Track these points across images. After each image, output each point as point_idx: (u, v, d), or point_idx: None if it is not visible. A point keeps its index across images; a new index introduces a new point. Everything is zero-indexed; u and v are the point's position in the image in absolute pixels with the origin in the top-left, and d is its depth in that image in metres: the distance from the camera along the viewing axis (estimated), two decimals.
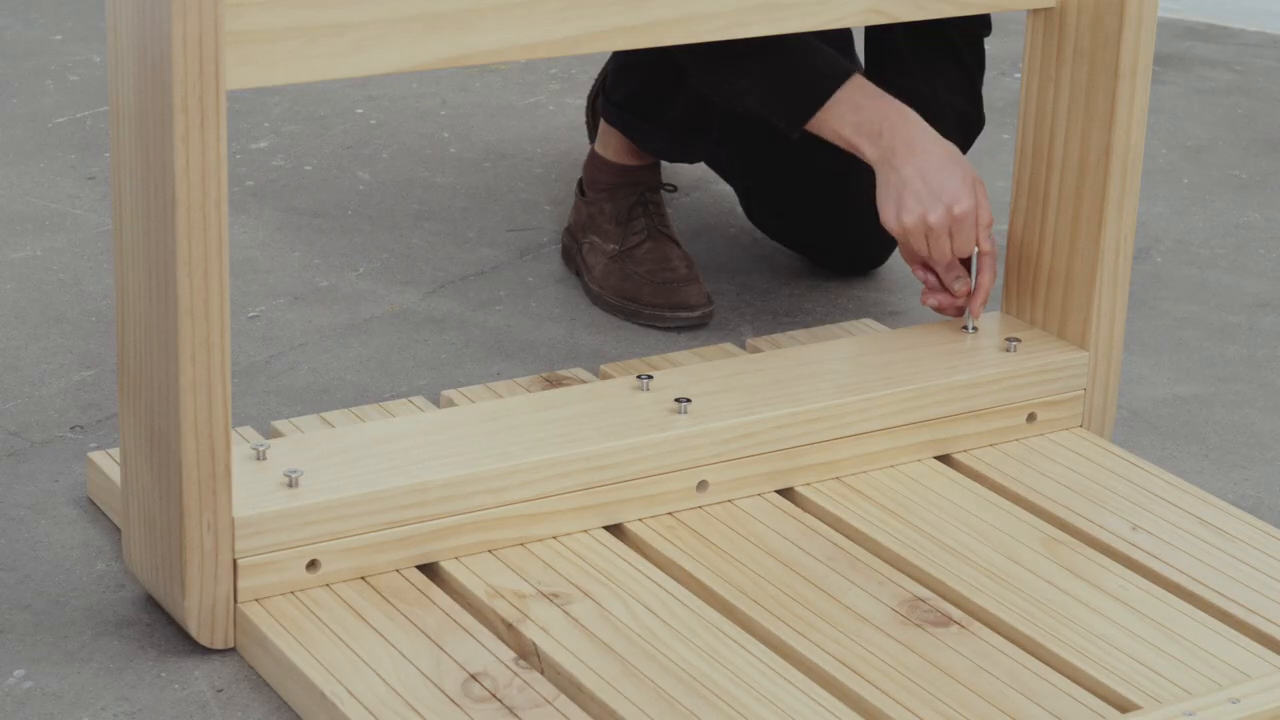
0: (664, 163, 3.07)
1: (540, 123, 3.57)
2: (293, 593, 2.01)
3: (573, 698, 1.88)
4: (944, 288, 2.48)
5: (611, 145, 2.91)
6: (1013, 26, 4.27)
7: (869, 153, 2.45)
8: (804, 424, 2.26)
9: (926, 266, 2.49)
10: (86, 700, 1.93)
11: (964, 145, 2.73)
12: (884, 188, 2.43)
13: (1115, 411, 2.50)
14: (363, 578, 2.05)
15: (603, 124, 2.92)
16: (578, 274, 2.92)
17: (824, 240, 2.92)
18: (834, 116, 2.47)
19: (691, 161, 2.95)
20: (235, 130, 3.45)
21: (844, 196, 2.83)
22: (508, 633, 1.98)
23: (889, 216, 2.43)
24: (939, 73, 2.69)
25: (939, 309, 2.48)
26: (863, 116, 2.45)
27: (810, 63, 2.46)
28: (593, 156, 2.94)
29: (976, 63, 2.73)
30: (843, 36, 2.87)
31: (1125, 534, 2.21)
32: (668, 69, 2.73)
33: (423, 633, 1.96)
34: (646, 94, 2.82)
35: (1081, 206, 2.39)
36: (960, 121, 2.71)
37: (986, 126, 3.65)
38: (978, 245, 2.43)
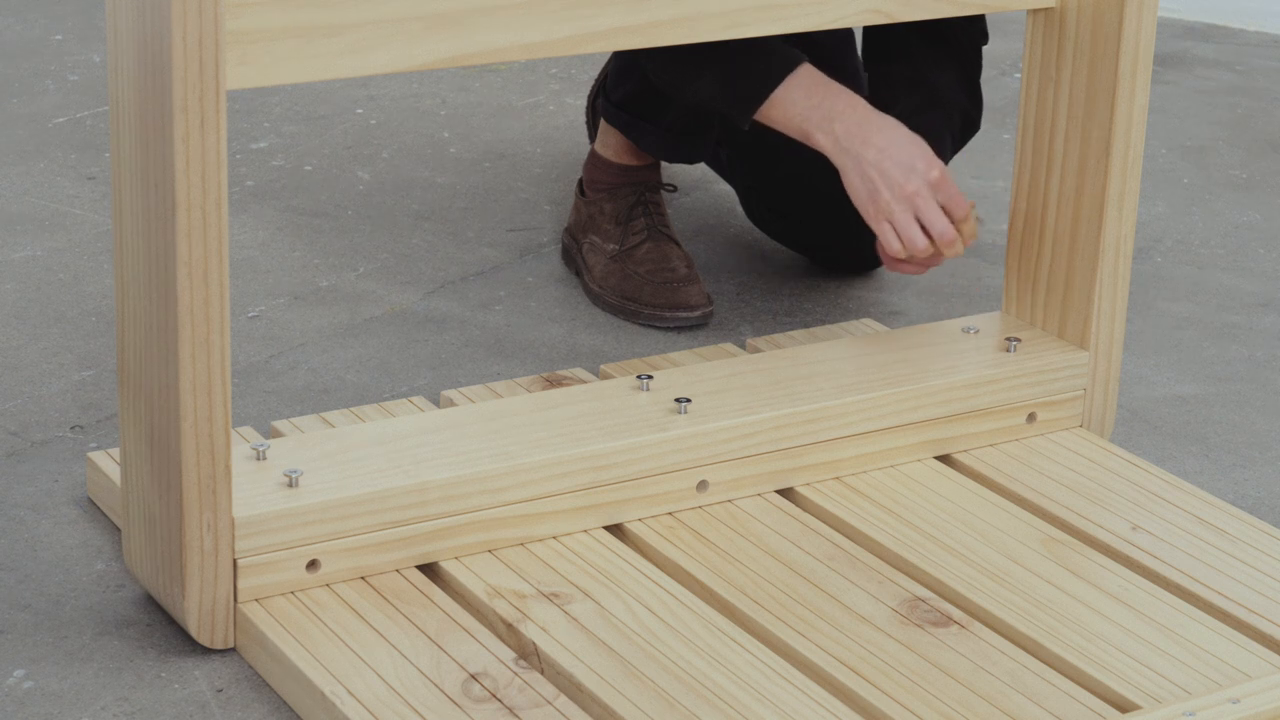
0: (664, 163, 3.07)
1: (540, 123, 3.57)
2: (293, 593, 2.01)
3: (573, 698, 1.88)
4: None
5: (611, 145, 2.91)
6: (1013, 26, 4.27)
7: (821, 141, 2.41)
8: (804, 424, 2.26)
9: (904, 261, 2.45)
10: (86, 700, 1.93)
11: (959, 145, 2.74)
12: (851, 175, 2.38)
13: (1115, 411, 2.50)
14: (363, 578, 2.05)
15: (603, 124, 2.92)
16: (578, 274, 2.92)
17: (824, 240, 2.92)
18: (782, 105, 2.44)
19: (691, 162, 2.95)
20: (235, 130, 3.45)
21: (844, 196, 2.83)
22: (508, 633, 1.98)
23: (864, 201, 2.37)
24: (945, 70, 2.70)
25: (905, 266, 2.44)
26: (811, 103, 2.42)
27: (760, 55, 2.44)
28: (593, 156, 2.94)
29: (976, 69, 2.75)
30: (843, 35, 2.87)
31: (1125, 534, 2.21)
32: None
33: (423, 633, 1.96)
34: (646, 94, 2.82)
35: (1081, 206, 2.39)
36: (961, 115, 2.72)
37: (986, 126, 3.66)
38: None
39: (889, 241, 2.37)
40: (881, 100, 2.66)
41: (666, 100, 2.80)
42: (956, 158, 3.50)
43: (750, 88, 2.45)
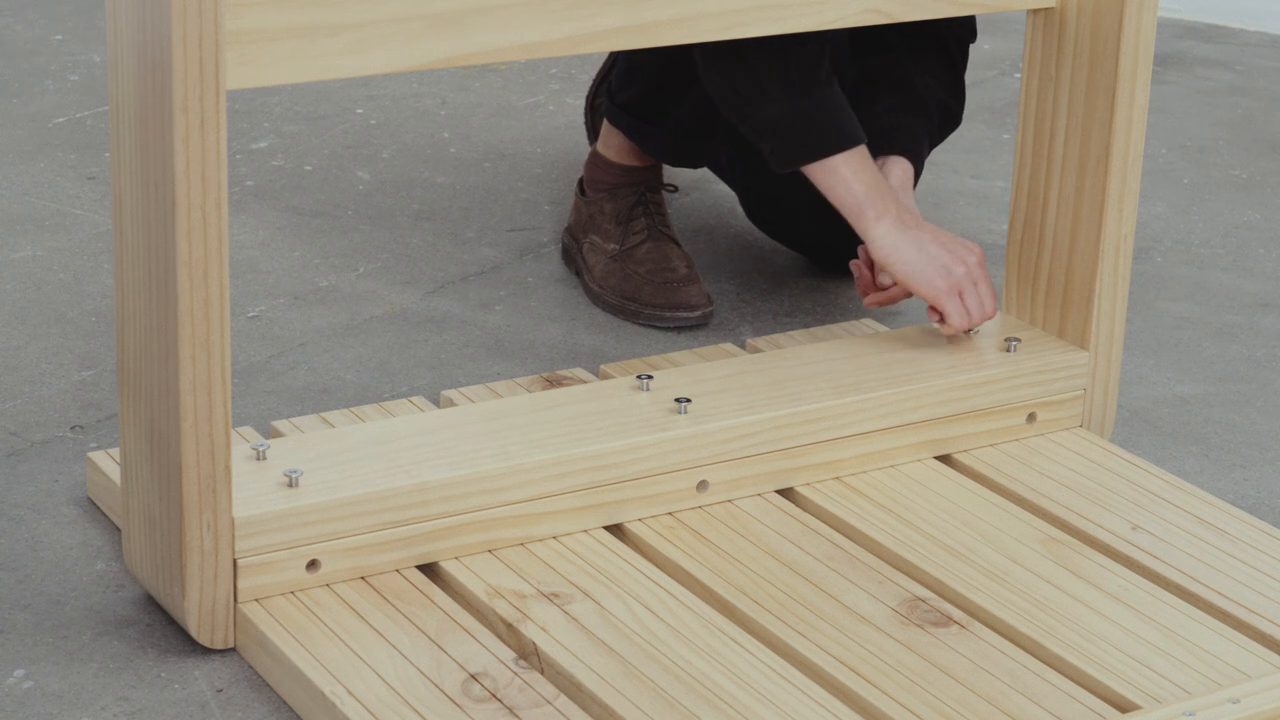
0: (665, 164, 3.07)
1: (540, 123, 3.57)
2: (293, 593, 2.01)
3: (573, 698, 1.88)
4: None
5: (614, 146, 2.91)
6: (1013, 26, 4.27)
7: (874, 220, 2.42)
8: (804, 424, 2.26)
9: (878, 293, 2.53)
10: (86, 700, 1.93)
11: (938, 141, 2.77)
12: (911, 252, 2.40)
13: (1115, 411, 2.50)
14: (363, 578, 2.05)
15: (605, 124, 2.92)
16: (578, 274, 2.92)
17: (824, 241, 2.92)
18: (825, 173, 2.45)
19: (693, 166, 2.95)
20: (235, 130, 3.45)
21: None
22: (508, 633, 1.98)
23: (931, 275, 2.39)
24: (930, 69, 2.72)
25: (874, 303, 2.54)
26: (867, 185, 2.43)
27: (826, 117, 2.45)
28: (594, 156, 2.94)
29: (960, 65, 2.77)
30: (841, 36, 2.87)
31: (1125, 534, 2.21)
32: (674, 73, 2.73)
33: (423, 633, 1.96)
34: (652, 96, 2.82)
35: (1081, 206, 2.39)
36: (943, 116, 2.74)
37: (986, 127, 3.66)
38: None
39: (957, 315, 2.40)
40: (862, 96, 2.68)
41: (671, 103, 2.80)
42: (957, 158, 3.50)
43: (802, 146, 2.45)
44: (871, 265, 2.53)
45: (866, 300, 2.52)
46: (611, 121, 2.89)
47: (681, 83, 2.73)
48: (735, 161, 2.94)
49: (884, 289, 2.51)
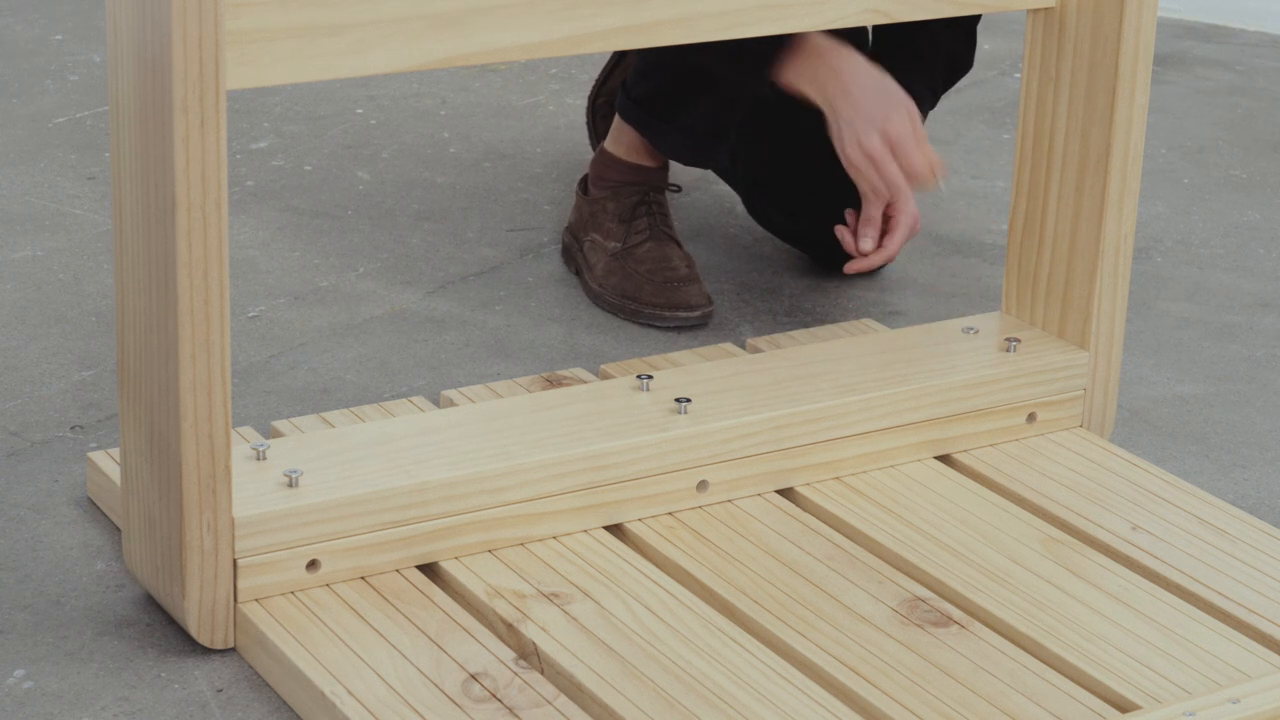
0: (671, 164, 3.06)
1: (540, 123, 3.57)
2: (293, 593, 2.01)
3: (573, 698, 1.88)
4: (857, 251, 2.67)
5: (624, 143, 2.89)
6: (1013, 26, 4.27)
7: (815, 97, 2.57)
8: (804, 424, 2.26)
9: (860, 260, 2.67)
10: (86, 700, 1.93)
11: (947, 85, 2.82)
12: (833, 132, 2.55)
13: (1115, 411, 2.50)
14: (363, 578, 2.05)
15: (617, 121, 2.90)
16: (577, 273, 2.91)
17: (827, 238, 2.92)
18: (785, 70, 2.57)
19: (706, 166, 2.93)
20: (235, 130, 3.45)
21: (847, 194, 2.83)
22: (508, 633, 1.98)
23: (841, 153, 2.55)
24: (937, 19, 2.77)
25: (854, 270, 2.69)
26: (806, 65, 2.56)
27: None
28: (601, 154, 2.92)
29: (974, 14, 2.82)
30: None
31: (1125, 534, 2.21)
32: (694, 72, 2.73)
33: (423, 633, 1.96)
34: (668, 93, 2.81)
35: (1081, 206, 2.39)
36: (949, 62, 2.77)
37: (986, 127, 3.66)
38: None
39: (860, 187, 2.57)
40: (871, 53, 2.72)
41: (688, 101, 2.79)
42: (957, 158, 3.50)
43: (757, 56, 2.59)
44: (854, 232, 2.65)
45: (846, 266, 2.66)
46: (624, 116, 2.87)
47: (701, 82, 2.73)
48: (739, 158, 2.93)
49: (864, 255, 2.65)
